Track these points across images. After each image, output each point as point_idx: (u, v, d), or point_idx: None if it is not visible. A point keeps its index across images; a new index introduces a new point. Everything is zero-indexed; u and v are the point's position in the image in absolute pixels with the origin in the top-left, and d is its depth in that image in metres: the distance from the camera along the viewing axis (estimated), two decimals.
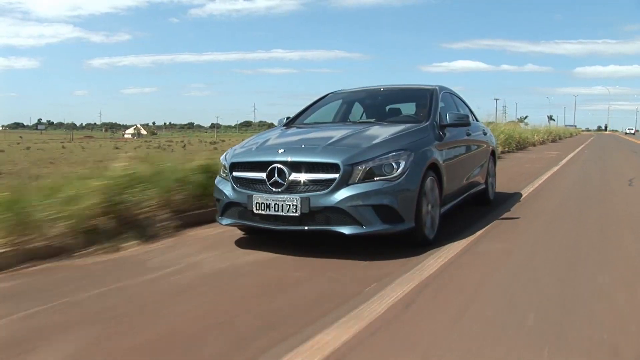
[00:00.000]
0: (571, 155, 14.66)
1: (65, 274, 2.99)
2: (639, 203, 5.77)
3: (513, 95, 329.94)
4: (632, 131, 74.53)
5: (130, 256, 3.41)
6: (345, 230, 3.16)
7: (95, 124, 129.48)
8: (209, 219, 4.26)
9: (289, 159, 3.28)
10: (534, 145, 21.39)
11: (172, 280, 2.87)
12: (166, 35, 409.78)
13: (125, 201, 3.80)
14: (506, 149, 15.25)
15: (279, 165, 3.26)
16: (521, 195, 6.18)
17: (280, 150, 3.37)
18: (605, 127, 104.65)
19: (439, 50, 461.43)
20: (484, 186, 5.37)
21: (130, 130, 76.46)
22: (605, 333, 2.04)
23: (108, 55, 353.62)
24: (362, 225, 3.16)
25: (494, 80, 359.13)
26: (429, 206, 3.57)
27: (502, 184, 6.65)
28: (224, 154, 3.91)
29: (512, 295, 2.56)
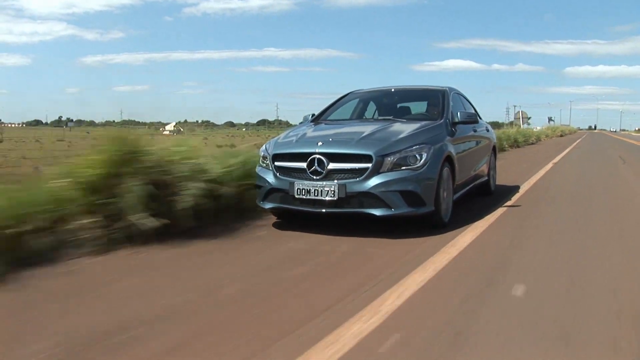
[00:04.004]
0: (585, 135, 46.61)
1: None
2: (601, 138, 37.34)
3: (504, 95, 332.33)
4: (614, 130, 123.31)
5: None
6: (377, 212, 3.68)
7: (114, 121, 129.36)
8: None
9: (328, 150, 3.79)
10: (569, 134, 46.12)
11: None
12: (160, 33, 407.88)
13: None
14: (563, 134, 40.00)
15: (319, 156, 3.77)
16: (579, 139, 31.13)
17: (319, 143, 3.87)
18: (595, 127, 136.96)
19: (431, 49, 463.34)
20: (486, 178, 5.91)
21: (170, 127, 79.88)
22: None
23: (101, 53, 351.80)
24: (391, 208, 3.68)
25: (485, 79, 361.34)
26: (445, 193, 4.10)
27: (575, 139, 31.63)
28: (264, 146, 4.40)
29: None
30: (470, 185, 5.20)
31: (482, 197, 5.76)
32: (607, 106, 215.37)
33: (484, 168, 5.76)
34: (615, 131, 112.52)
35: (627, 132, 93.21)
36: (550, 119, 46.42)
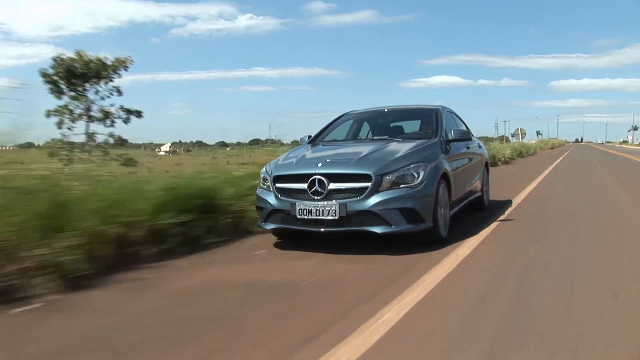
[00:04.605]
0: (573, 147, 52.42)
1: None
2: (587, 149, 43.31)
3: (491, 109, 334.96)
4: (600, 142, 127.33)
5: None
6: (377, 229, 3.77)
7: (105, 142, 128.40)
8: None
9: (328, 171, 3.89)
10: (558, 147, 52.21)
11: None
12: (147, 54, 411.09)
13: None
14: (554, 147, 44.54)
15: (319, 177, 3.86)
16: (568, 151, 37.63)
17: (319, 164, 3.97)
18: (581, 139, 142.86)
19: (417, 66, 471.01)
20: (480, 193, 6.03)
21: (165, 148, 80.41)
22: None
23: None
24: (391, 225, 3.77)
25: (472, 95, 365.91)
26: (442, 209, 4.20)
27: (565, 150, 38.32)
28: (264, 168, 4.48)
29: None
30: (465, 201, 5.32)
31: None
32: (594, 119, 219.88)
33: (477, 184, 5.89)
34: (601, 143, 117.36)
35: (611, 144, 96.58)
36: (538, 133, 48.59)
